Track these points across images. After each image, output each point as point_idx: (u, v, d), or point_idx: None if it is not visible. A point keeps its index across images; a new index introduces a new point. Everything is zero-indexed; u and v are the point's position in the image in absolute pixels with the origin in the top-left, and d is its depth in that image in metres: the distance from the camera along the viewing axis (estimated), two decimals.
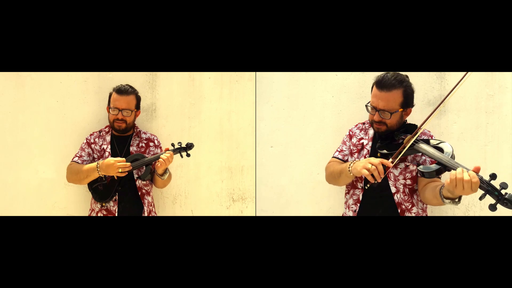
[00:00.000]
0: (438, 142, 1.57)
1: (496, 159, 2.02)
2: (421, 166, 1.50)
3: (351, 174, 1.63)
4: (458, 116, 2.03)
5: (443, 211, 2.04)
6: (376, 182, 1.51)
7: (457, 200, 1.41)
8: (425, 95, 2.05)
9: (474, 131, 2.01)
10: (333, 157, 1.90)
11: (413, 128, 1.69)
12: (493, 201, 1.24)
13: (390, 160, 1.54)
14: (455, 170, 1.32)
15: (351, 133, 1.88)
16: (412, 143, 1.57)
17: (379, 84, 1.62)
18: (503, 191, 1.23)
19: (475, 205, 2.04)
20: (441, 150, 1.51)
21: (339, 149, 1.89)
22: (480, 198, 1.28)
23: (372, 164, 1.50)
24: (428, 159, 1.66)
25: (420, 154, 1.67)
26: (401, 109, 1.64)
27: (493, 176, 1.26)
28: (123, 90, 1.95)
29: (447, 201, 1.43)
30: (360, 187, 1.75)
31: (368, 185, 1.55)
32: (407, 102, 1.65)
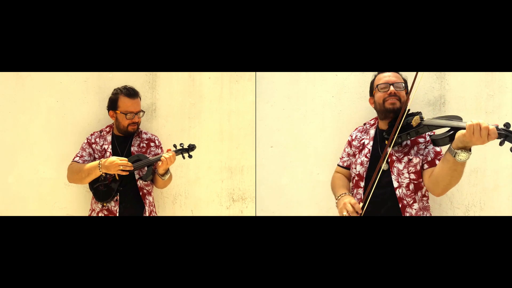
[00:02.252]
0: (445, 116, 1.59)
1: (496, 159, 2.02)
2: (433, 135, 1.51)
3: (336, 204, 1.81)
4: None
5: (443, 211, 2.05)
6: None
7: (468, 150, 1.40)
8: (425, 95, 2.04)
9: None
10: (337, 165, 1.99)
11: (415, 115, 1.73)
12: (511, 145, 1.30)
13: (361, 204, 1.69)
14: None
15: (350, 138, 1.94)
16: (420, 123, 1.61)
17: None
18: None
19: (475, 205, 2.04)
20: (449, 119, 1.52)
21: (340, 157, 1.98)
22: (501, 144, 1.32)
23: (347, 211, 1.68)
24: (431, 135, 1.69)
25: (423, 147, 1.70)
26: (405, 90, 1.78)
27: (508, 125, 1.33)
28: (133, 93, 1.95)
29: (458, 151, 1.40)
30: (362, 186, 1.78)
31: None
32: (406, 86, 1.80)
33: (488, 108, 2.00)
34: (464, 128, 1.37)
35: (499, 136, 1.32)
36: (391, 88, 1.73)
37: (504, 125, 1.34)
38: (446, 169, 1.48)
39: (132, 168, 1.84)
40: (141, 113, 1.99)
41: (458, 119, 1.51)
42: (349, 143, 1.93)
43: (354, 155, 1.87)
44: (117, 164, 1.80)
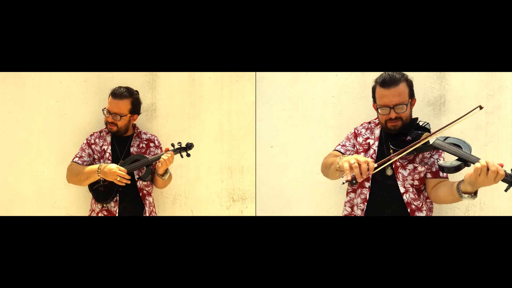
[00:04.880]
0: (455, 139, 1.57)
1: (496, 159, 2.00)
2: (441, 162, 1.51)
3: (338, 166, 1.56)
4: (458, 116, 2.02)
5: (443, 211, 2.04)
6: (353, 181, 1.43)
7: (473, 194, 1.42)
8: (425, 95, 2.04)
9: (474, 131, 2.01)
10: (334, 149, 1.87)
11: (421, 125, 1.71)
12: None
13: (376, 164, 1.49)
14: (474, 164, 1.35)
15: (356, 131, 1.88)
16: (428, 141, 1.59)
17: (385, 83, 1.64)
18: None
19: (475, 205, 2.04)
20: (458, 147, 1.51)
21: (341, 144, 1.87)
22: (506, 190, 1.33)
23: (357, 161, 1.43)
24: (439, 160, 1.67)
25: (429, 156, 1.70)
26: (410, 100, 1.69)
27: None
28: (117, 94, 1.92)
29: (465, 195, 1.42)
30: (368, 186, 1.75)
31: (344, 182, 1.46)
32: (412, 92, 1.71)
33: (488, 108, 2.00)
34: (472, 162, 1.38)
35: (505, 181, 1.32)
36: (390, 114, 1.64)
37: None
38: (450, 199, 1.56)
39: (129, 182, 1.83)
40: (118, 117, 1.91)
41: (466, 146, 1.50)
42: (355, 136, 1.86)
43: (357, 152, 1.82)
44: (115, 173, 1.80)
